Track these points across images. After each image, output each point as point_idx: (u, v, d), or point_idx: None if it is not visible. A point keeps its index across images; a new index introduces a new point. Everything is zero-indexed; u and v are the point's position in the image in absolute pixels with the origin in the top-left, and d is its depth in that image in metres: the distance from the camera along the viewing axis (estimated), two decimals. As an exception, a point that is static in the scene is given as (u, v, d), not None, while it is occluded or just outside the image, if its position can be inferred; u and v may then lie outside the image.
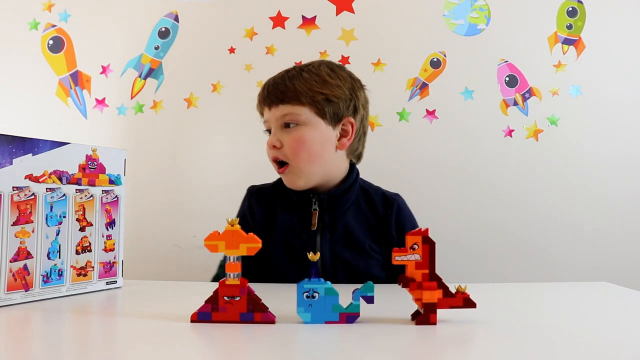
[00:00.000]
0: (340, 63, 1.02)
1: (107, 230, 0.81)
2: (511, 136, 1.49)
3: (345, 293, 0.57)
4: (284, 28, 1.53)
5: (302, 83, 0.94)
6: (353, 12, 1.52)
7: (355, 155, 1.04)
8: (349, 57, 1.49)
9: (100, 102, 1.58)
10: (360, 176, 1.04)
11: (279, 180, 1.03)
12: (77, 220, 0.76)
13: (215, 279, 1.02)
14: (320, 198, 0.97)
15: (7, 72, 1.61)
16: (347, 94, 0.97)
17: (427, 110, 1.50)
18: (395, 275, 0.59)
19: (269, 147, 0.97)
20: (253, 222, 1.02)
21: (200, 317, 0.57)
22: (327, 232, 0.96)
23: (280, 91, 0.95)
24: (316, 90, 0.94)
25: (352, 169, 1.02)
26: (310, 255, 0.56)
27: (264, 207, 1.02)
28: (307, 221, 0.97)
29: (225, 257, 0.58)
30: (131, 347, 0.51)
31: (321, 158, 0.95)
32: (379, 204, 1.01)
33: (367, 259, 0.96)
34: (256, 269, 0.99)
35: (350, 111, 0.98)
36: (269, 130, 0.99)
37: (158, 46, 1.57)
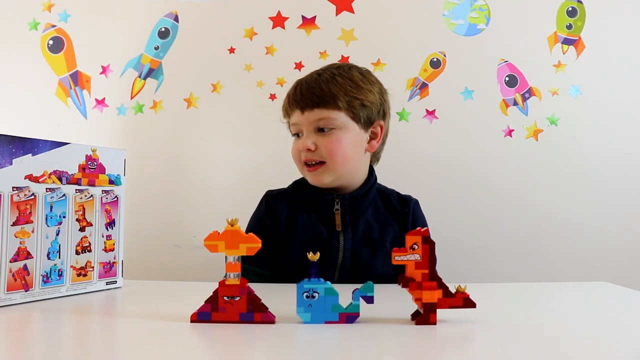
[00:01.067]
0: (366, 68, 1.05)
1: (107, 230, 0.81)
2: (511, 136, 1.49)
3: (345, 293, 0.57)
4: (283, 28, 1.53)
5: (338, 87, 0.95)
6: (353, 12, 1.52)
7: (376, 157, 1.07)
8: (348, 57, 1.49)
9: (100, 102, 1.58)
10: None
11: (295, 184, 1.04)
12: (77, 220, 0.76)
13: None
14: (343, 199, 0.98)
15: (7, 72, 1.61)
16: (378, 98, 0.99)
17: (427, 110, 1.50)
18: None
19: (302, 150, 0.96)
20: (274, 225, 1.00)
21: (200, 317, 0.57)
22: (349, 231, 0.98)
23: (317, 95, 0.95)
24: (352, 96, 0.95)
25: (372, 170, 1.05)
26: (310, 255, 0.56)
27: (286, 209, 1.01)
28: (327, 221, 0.99)
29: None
30: (131, 347, 0.51)
31: (353, 160, 0.98)
32: (396, 203, 1.04)
33: (386, 258, 0.96)
34: (275, 268, 0.99)
35: (380, 115, 1.01)
36: (296, 134, 0.99)
37: (158, 46, 1.57)
